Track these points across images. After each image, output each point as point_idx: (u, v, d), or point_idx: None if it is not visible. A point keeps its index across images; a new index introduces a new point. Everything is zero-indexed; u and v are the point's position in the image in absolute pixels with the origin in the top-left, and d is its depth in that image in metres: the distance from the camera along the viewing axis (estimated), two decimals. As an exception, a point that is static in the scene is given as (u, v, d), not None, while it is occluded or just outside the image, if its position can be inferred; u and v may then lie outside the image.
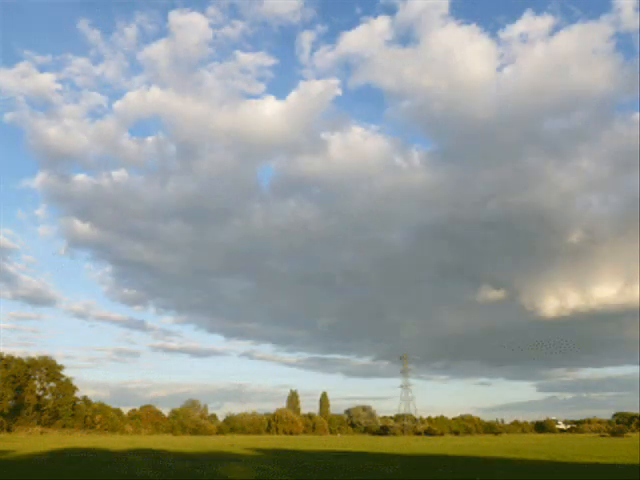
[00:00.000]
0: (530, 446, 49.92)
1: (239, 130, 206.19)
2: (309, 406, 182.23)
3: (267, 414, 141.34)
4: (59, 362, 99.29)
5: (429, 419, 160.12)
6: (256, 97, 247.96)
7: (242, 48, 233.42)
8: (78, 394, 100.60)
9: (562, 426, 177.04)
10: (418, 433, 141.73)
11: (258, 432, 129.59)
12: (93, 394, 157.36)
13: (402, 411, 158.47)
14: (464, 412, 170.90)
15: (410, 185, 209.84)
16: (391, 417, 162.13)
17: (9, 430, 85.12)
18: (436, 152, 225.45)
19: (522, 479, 20.58)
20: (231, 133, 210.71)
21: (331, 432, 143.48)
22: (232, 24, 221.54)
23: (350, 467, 25.02)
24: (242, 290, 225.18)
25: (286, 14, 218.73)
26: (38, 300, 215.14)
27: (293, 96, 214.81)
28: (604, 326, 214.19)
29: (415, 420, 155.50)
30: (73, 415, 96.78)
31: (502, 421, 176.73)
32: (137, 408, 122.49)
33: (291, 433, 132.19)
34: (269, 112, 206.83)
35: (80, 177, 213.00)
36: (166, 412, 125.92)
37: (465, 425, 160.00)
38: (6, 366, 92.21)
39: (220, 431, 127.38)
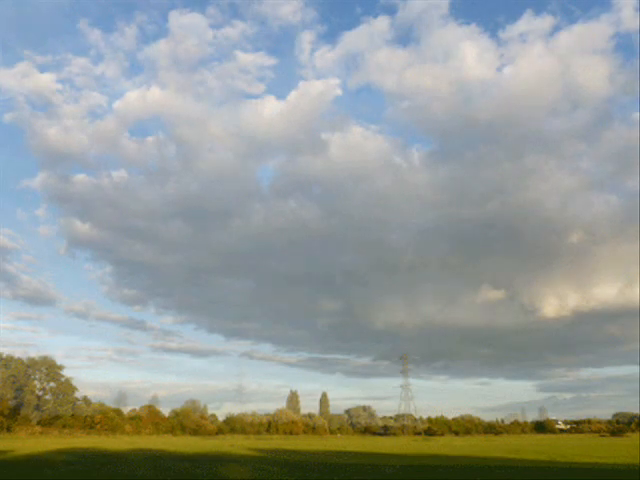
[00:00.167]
0: (530, 446, 49.95)
1: (239, 130, 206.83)
2: (309, 406, 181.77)
3: (267, 414, 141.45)
4: (59, 362, 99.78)
5: (429, 419, 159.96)
6: (256, 97, 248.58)
7: (242, 48, 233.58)
8: (78, 394, 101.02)
9: (562, 426, 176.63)
10: (418, 433, 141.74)
11: (258, 432, 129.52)
12: (93, 394, 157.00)
13: (402, 411, 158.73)
14: (464, 412, 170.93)
15: (410, 185, 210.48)
16: (391, 417, 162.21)
17: (9, 430, 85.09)
18: (436, 152, 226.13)
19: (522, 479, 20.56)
20: (231, 133, 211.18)
21: (331, 432, 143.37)
22: (232, 24, 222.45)
23: (350, 467, 25.01)
24: (242, 290, 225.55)
25: (286, 14, 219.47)
26: (38, 300, 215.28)
27: (293, 96, 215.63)
28: (604, 326, 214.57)
29: (415, 420, 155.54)
30: (73, 415, 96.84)
31: (502, 421, 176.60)
32: (137, 408, 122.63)
33: (291, 433, 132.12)
34: (269, 112, 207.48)
35: (80, 177, 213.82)
36: (166, 412, 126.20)
37: (465, 425, 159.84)
38: (6, 366, 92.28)
39: (220, 431, 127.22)
